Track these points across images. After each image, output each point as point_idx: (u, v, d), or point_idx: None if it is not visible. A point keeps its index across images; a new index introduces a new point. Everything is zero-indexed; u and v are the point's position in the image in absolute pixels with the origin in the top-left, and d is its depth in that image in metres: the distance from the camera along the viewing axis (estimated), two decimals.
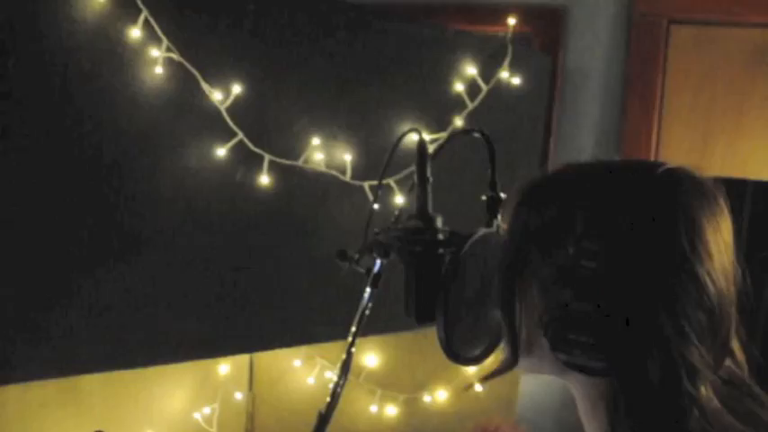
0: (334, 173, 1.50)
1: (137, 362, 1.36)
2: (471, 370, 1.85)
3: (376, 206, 1.55)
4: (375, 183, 1.56)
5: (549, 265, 0.73)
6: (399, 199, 1.55)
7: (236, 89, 1.34)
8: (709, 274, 0.67)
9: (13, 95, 1.16)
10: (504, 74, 1.75)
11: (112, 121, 1.25)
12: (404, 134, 1.17)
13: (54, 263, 1.24)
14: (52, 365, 1.26)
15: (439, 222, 1.04)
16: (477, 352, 1.00)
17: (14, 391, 1.31)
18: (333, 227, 1.54)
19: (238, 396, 1.61)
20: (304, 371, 1.70)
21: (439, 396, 1.83)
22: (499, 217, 1.05)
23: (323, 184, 1.51)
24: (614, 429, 0.71)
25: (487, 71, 1.74)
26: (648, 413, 0.68)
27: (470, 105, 1.70)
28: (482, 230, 0.99)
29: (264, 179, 1.39)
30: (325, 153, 1.49)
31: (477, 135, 1.08)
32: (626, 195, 0.71)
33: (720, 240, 0.70)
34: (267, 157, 1.39)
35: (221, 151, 1.34)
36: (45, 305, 1.24)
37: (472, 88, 1.71)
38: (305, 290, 1.55)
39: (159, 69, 1.26)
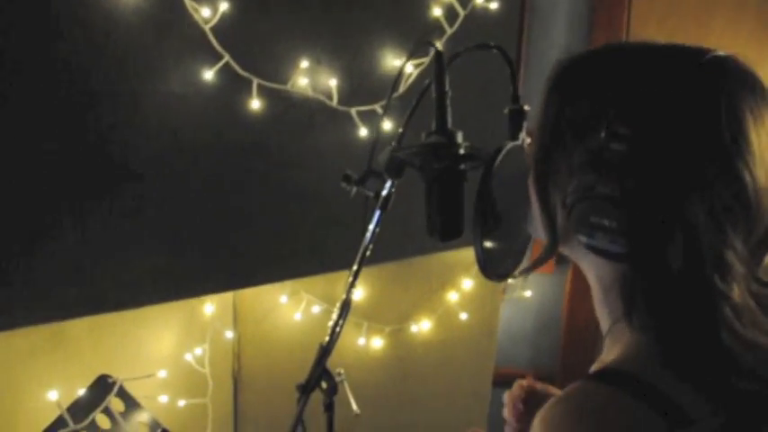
0: (321, 98, 1.44)
1: (125, 303, 1.28)
2: (454, 297, 1.87)
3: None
4: (363, 108, 1.51)
5: (579, 150, 0.71)
6: (388, 125, 1.51)
7: (223, 6, 1.25)
8: (747, 166, 0.65)
9: None
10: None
11: (87, 42, 1.14)
12: (415, 48, 1.12)
13: (33, 199, 1.15)
14: (38, 311, 1.17)
15: (459, 137, 1.01)
16: (508, 266, 0.99)
17: None
18: (320, 154, 1.49)
19: (228, 335, 1.56)
20: (290, 307, 1.67)
21: (423, 326, 1.84)
22: (524, 129, 1.02)
23: (310, 110, 1.45)
24: (630, 317, 0.70)
25: None
26: (671, 304, 0.67)
27: (449, 30, 1.66)
28: (509, 143, 0.97)
29: (255, 104, 1.31)
30: (310, 78, 1.42)
31: (495, 51, 1.05)
32: (666, 79, 0.68)
33: (764, 135, 0.67)
34: (255, 81, 1.31)
35: (208, 75, 1.25)
36: (27, 246, 1.15)
37: (450, 13, 1.67)
38: (291, 222, 1.50)
39: None
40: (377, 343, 1.78)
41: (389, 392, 1.86)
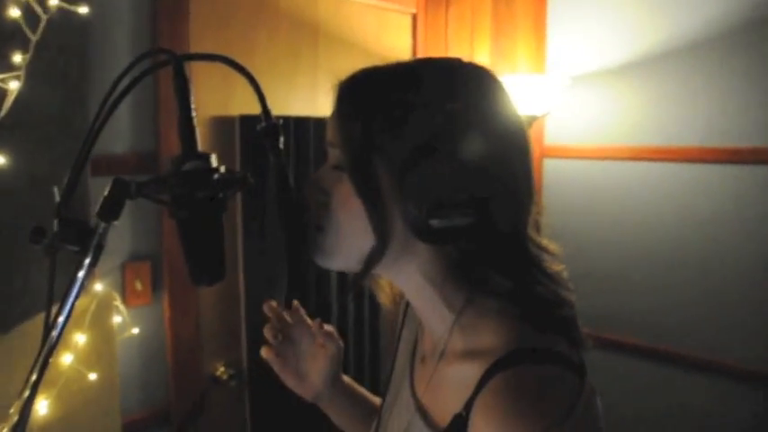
0: None
1: None
2: (69, 360, 1.55)
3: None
4: None
5: (401, 146, 0.76)
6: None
7: None
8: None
9: None
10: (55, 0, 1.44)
11: None
12: (142, 56, 0.90)
13: None
14: None
15: (214, 160, 0.89)
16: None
17: None
18: None
19: None
20: None
21: (42, 407, 1.46)
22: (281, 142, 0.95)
23: None
24: (483, 289, 0.80)
25: None
26: (510, 264, 0.79)
27: (33, 37, 1.35)
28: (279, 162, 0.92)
29: None
30: None
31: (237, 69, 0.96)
32: (462, 82, 0.81)
33: None
34: None
35: None
36: None
37: (30, 18, 1.36)
38: None
39: None
40: None
41: None
